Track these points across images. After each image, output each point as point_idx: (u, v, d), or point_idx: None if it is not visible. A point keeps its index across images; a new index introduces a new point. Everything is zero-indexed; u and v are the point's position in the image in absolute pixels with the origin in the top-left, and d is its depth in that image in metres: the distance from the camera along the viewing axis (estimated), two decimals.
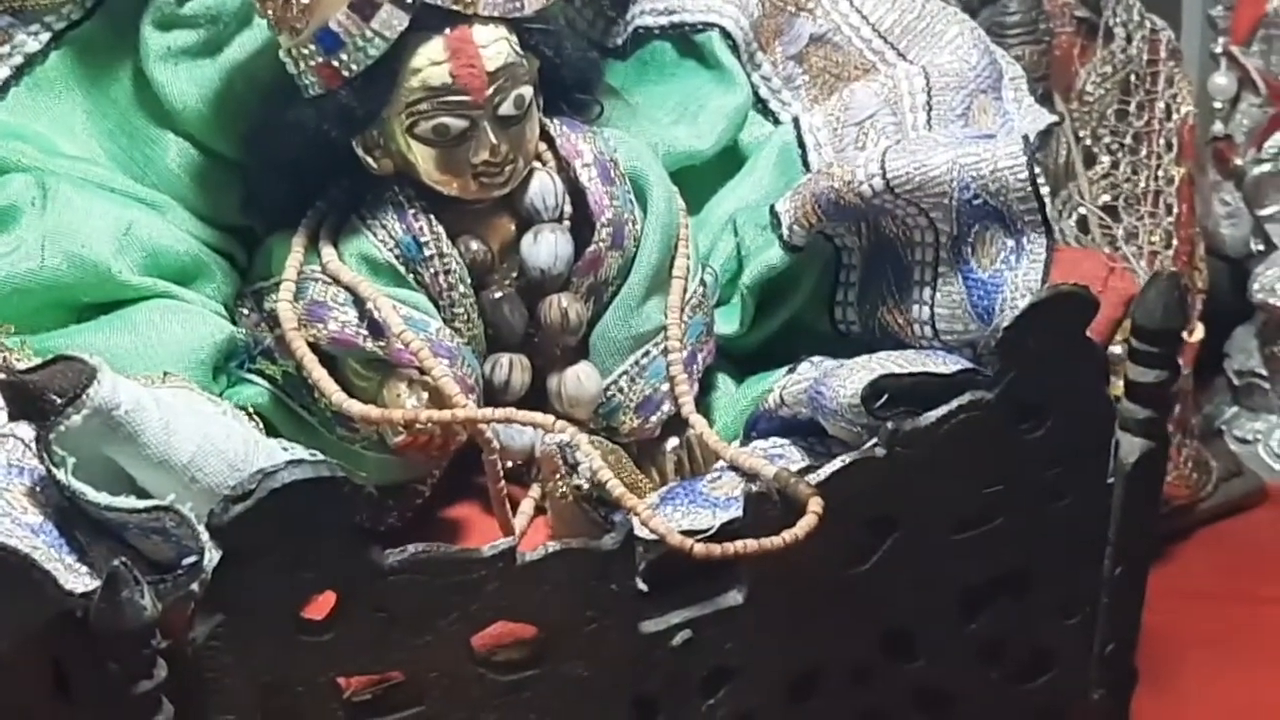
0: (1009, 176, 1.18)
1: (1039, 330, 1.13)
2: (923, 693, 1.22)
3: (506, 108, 1.19)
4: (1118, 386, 1.24)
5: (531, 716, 1.09)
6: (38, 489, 1.01)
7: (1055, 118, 1.29)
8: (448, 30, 1.17)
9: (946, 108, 1.28)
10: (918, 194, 1.20)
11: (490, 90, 1.18)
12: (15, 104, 1.25)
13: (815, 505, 1.09)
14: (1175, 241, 1.57)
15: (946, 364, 1.18)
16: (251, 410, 1.19)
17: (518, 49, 1.20)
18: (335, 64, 1.17)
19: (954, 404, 1.13)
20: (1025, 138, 1.19)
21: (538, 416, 1.17)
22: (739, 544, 1.08)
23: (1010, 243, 1.19)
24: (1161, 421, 1.21)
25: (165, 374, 1.15)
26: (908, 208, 1.21)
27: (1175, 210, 1.57)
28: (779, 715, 1.17)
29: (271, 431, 1.19)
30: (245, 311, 1.24)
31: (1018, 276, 1.19)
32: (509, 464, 1.20)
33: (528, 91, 1.20)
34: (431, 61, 1.17)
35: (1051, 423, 1.17)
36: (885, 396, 1.14)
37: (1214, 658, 1.51)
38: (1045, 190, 1.19)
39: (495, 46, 1.18)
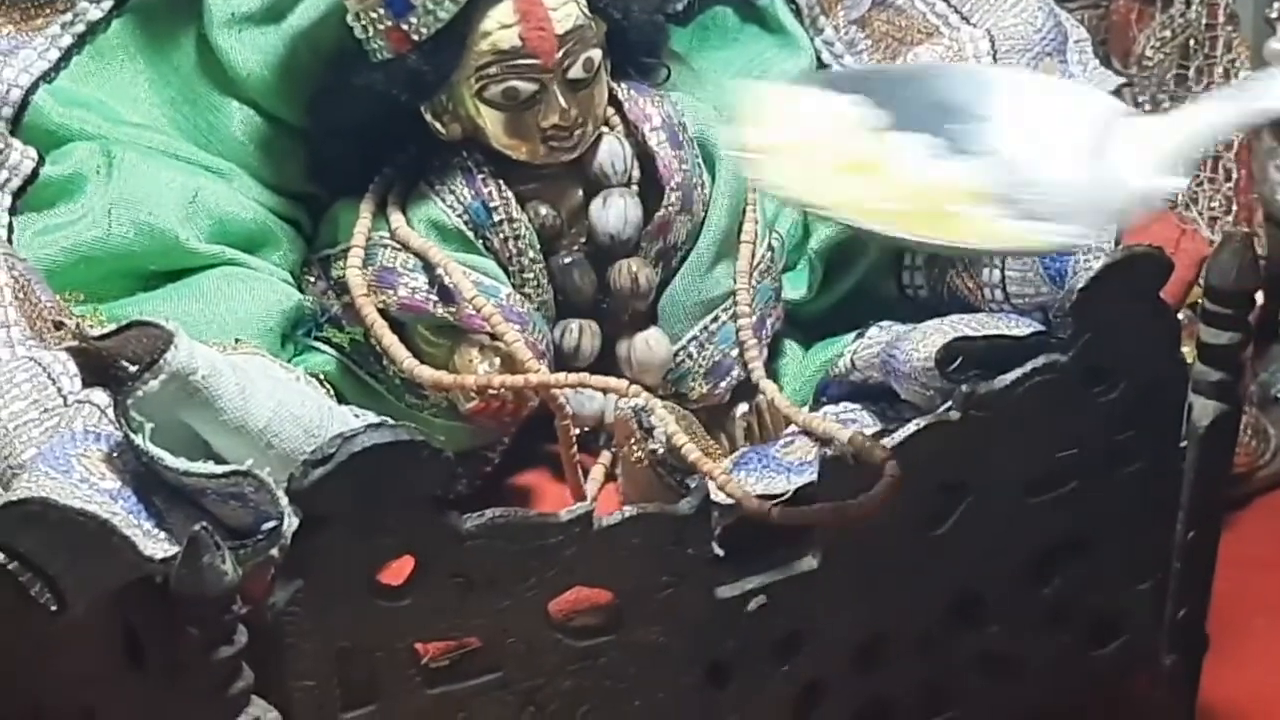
0: None
1: (1113, 292, 1.13)
2: (993, 657, 1.21)
3: (575, 71, 1.18)
4: (1187, 351, 1.23)
5: (607, 682, 1.09)
6: (114, 455, 1.01)
7: (1122, 79, 1.28)
8: None
9: None
10: None
11: (560, 53, 1.17)
12: (78, 72, 1.24)
13: (892, 469, 1.08)
14: (1235, 207, 1.56)
15: (1019, 327, 1.17)
16: (321, 378, 1.18)
17: (586, 12, 1.19)
18: (405, 28, 1.16)
19: (1028, 366, 1.12)
20: None
21: (612, 381, 1.16)
22: (817, 508, 1.07)
23: None
24: (1234, 384, 1.21)
25: (237, 340, 1.15)
26: None
27: (1235, 175, 1.56)
28: (852, 680, 1.16)
29: (339, 399, 1.18)
30: (312, 279, 1.23)
31: None
32: (579, 430, 1.20)
33: (596, 55, 1.19)
34: (501, 24, 1.17)
35: (1125, 385, 1.16)
36: (959, 359, 1.13)
37: (1277, 625, 1.50)
38: None
39: (564, 9, 1.17)
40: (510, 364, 1.16)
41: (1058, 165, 0.99)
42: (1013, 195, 0.98)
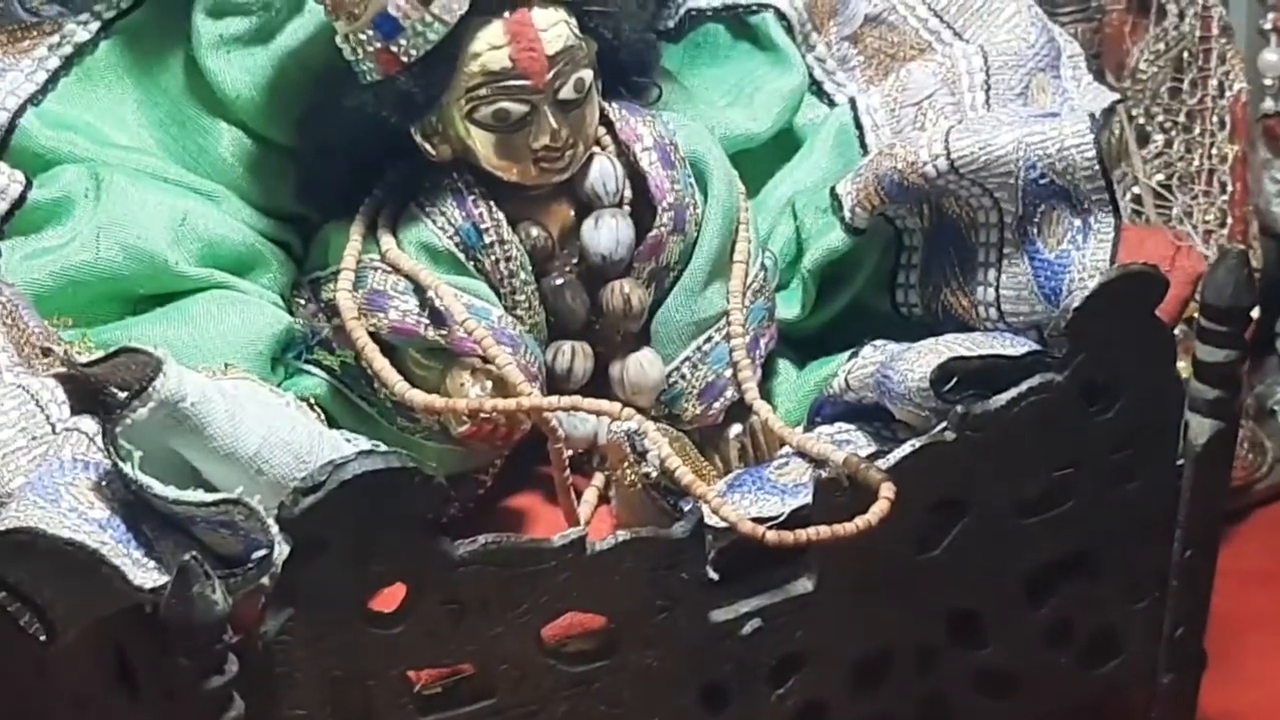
0: (1076, 155, 1.17)
1: (1109, 310, 1.12)
2: (990, 677, 1.21)
3: (567, 92, 1.18)
4: (1183, 367, 1.23)
5: (602, 707, 1.08)
6: (103, 483, 1.00)
7: (1117, 95, 1.28)
8: (507, 14, 1.16)
9: (1005, 87, 1.27)
10: (983, 174, 1.18)
11: (550, 74, 1.17)
12: (66, 94, 1.24)
13: (887, 491, 1.08)
14: (1230, 220, 1.56)
15: (1014, 346, 1.16)
16: (312, 401, 1.18)
17: (577, 32, 1.18)
18: (394, 49, 1.15)
19: (1024, 386, 1.12)
20: (1092, 115, 1.18)
21: (604, 404, 1.15)
22: (812, 531, 1.07)
23: (1077, 222, 1.18)
24: (1231, 402, 1.20)
25: (226, 365, 1.14)
26: (972, 188, 1.20)
27: (1230, 189, 1.56)
28: (848, 703, 1.16)
29: (330, 423, 1.18)
30: (302, 301, 1.23)
31: (1085, 256, 1.17)
32: (572, 452, 1.19)
33: (588, 75, 1.19)
34: (491, 46, 1.16)
35: (1121, 404, 1.15)
36: (954, 379, 1.12)
37: (1275, 639, 1.50)
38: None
39: (555, 30, 1.17)
40: (502, 387, 1.15)
41: None
42: None
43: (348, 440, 1.12)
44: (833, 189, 1.25)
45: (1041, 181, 1.18)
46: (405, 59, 1.16)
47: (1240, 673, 1.45)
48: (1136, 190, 1.56)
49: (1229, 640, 1.44)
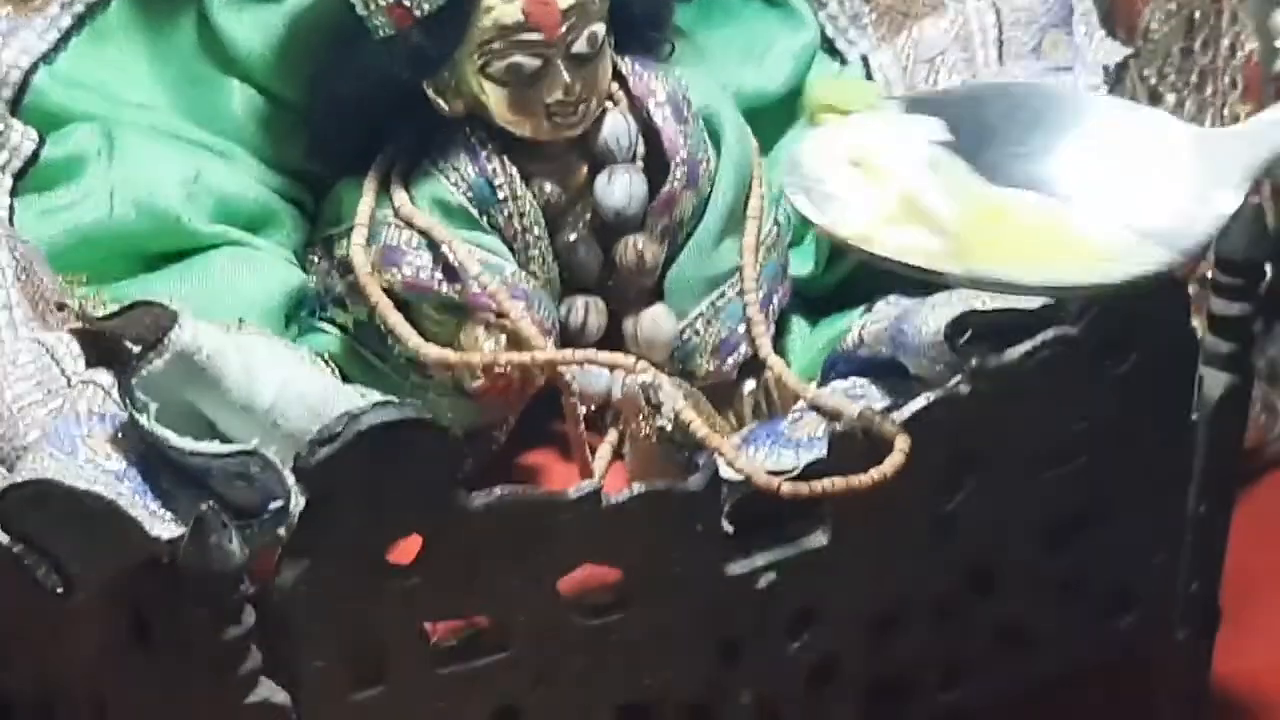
0: None
1: None
2: (1005, 632, 1.20)
3: (580, 45, 1.18)
4: (1197, 324, 1.22)
5: (617, 660, 1.08)
6: (119, 435, 1.00)
7: (1130, 50, 1.27)
8: None
9: (1018, 43, 1.27)
10: None
11: (563, 28, 1.17)
12: (77, 53, 1.24)
13: (902, 443, 1.07)
14: None
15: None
16: (326, 359, 1.18)
17: None
18: (407, 3, 1.15)
19: (1038, 339, 1.12)
20: (1106, 68, 1.18)
21: (619, 357, 1.16)
22: (827, 482, 1.06)
23: None
24: (1246, 356, 1.20)
25: (240, 321, 1.14)
26: None
27: None
28: (865, 655, 1.16)
29: (344, 380, 1.18)
30: (315, 259, 1.23)
31: None
32: (586, 408, 1.19)
33: (600, 29, 1.19)
34: None
35: (1136, 358, 1.15)
36: (969, 332, 1.12)
37: None
38: None
39: None
40: (516, 341, 1.15)
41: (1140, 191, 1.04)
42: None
43: (363, 395, 1.12)
44: None
45: None
46: (418, 13, 1.15)
47: (1253, 633, 1.44)
48: None
49: (1243, 601, 1.44)
